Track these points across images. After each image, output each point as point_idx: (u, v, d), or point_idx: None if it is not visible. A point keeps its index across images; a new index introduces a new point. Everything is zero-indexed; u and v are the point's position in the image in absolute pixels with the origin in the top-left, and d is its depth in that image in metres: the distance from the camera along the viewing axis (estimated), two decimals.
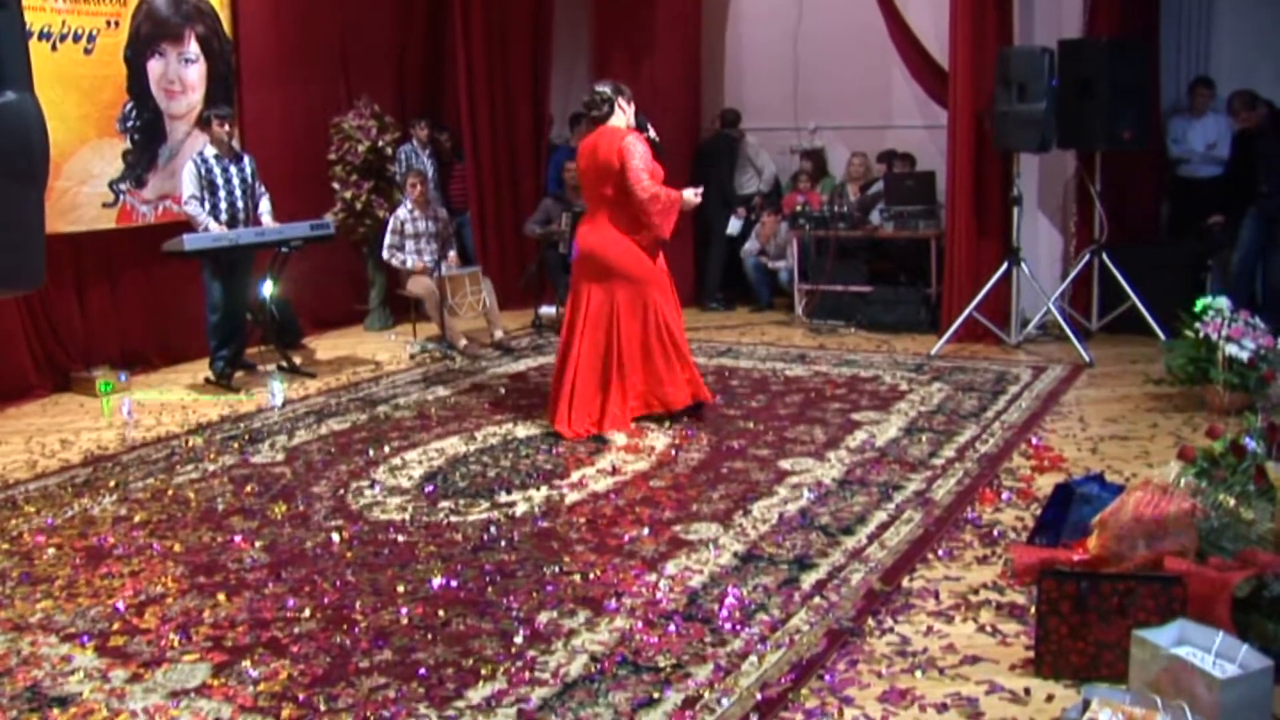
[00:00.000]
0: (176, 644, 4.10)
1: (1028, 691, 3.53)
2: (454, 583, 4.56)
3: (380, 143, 10.23)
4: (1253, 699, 2.87)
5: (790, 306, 10.30)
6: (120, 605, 4.47)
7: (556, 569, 4.67)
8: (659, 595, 4.37)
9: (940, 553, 4.71)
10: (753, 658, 3.83)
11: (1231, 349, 6.48)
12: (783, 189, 11.03)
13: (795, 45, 10.95)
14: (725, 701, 3.54)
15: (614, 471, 5.98)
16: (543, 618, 4.20)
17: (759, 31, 11.33)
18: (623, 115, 6.75)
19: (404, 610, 4.31)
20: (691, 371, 6.90)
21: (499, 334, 9.39)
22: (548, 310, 10.25)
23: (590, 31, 11.26)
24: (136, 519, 5.49)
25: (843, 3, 10.45)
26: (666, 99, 10.72)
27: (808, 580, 4.47)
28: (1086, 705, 2.75)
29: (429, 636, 4.08)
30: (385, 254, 9.56)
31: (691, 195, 6.82)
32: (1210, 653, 2.98)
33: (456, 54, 11.04)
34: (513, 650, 3.94)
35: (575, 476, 5.90)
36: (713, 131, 10.99)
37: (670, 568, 4.64)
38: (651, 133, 6.83)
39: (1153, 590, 3.49)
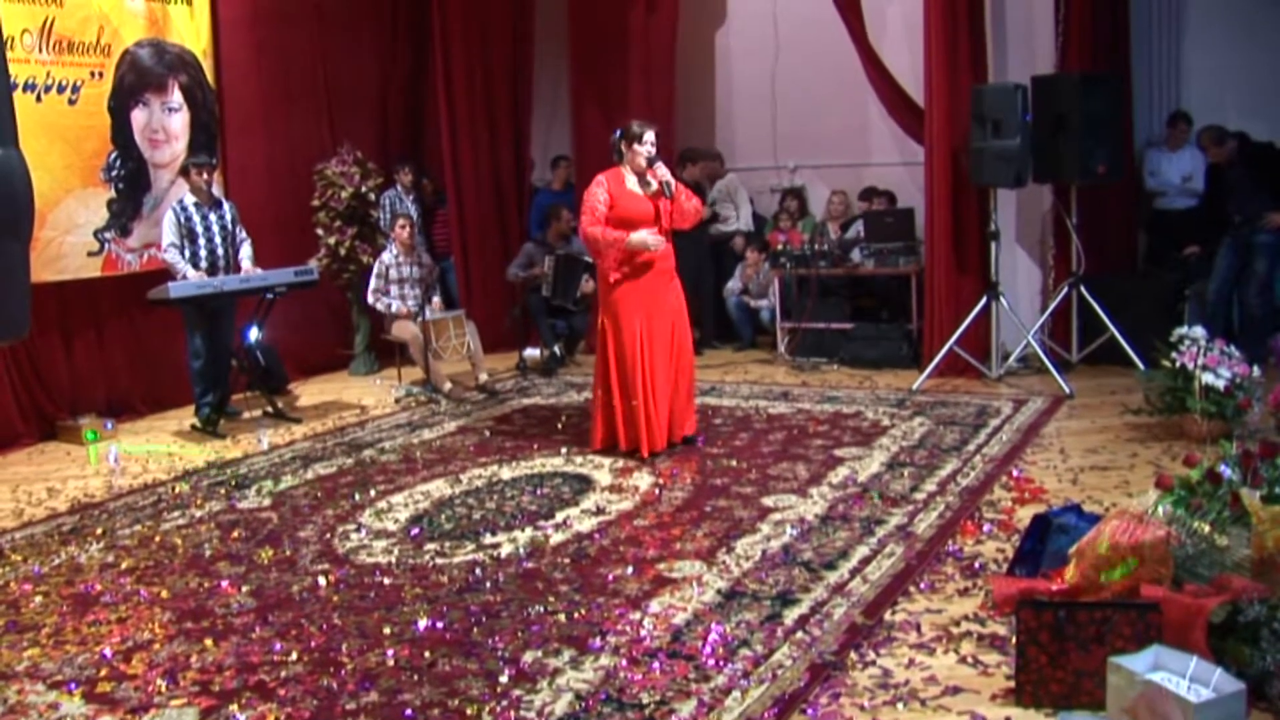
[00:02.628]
0: (164, 689, 4.12)
1: None
2: (439, 624, 4.58)
3: (364, 188, 10.30)
4: None
5: (773, 345, 10.36)
6: (107, 652, 4.48)
7: (541, 609, 4.69)
8: (643, 633, 4.40)
9: (922, 585, 4.75)
10: (736, 693, 3.85)
11: (1208, 378, 6.56)
12: (765, 228, 11.11)
13: (773, 85, 11.07)
14: None
15: (598, 511, 6.01)
16: (528, 657, 4.22)
17: (739, 72, 11.45)
18: (626, 157, 7.04)
19: (390, 652, 4.33)
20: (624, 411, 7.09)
21: (483, 377, 9.43)
22: (532, 353, 10.30)
23: (569, 74, 11.36)
24: (123, 566, 5.51)
25: (819, 43, 10.54)
26: None
27: (790, 615, 4.50)
28: None
29: (415, 678, 4.10)
30: (370, 298, 9.60)
31: (645, 238, 6.91)
32: (1185, 678, 3.02)
33: (438, 99, 11.15)
34: (498, 690, 3.97)
35: (560, 517, 5.93)
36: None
37: (654, 606, 4.67)
38: (662, 172, 6.98)
39: (1129, 618, 3.53)
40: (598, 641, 4.33)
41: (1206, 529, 4.06)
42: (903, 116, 9.93)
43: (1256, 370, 6.81)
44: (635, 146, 6.96)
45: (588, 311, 10.17)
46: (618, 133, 7.08)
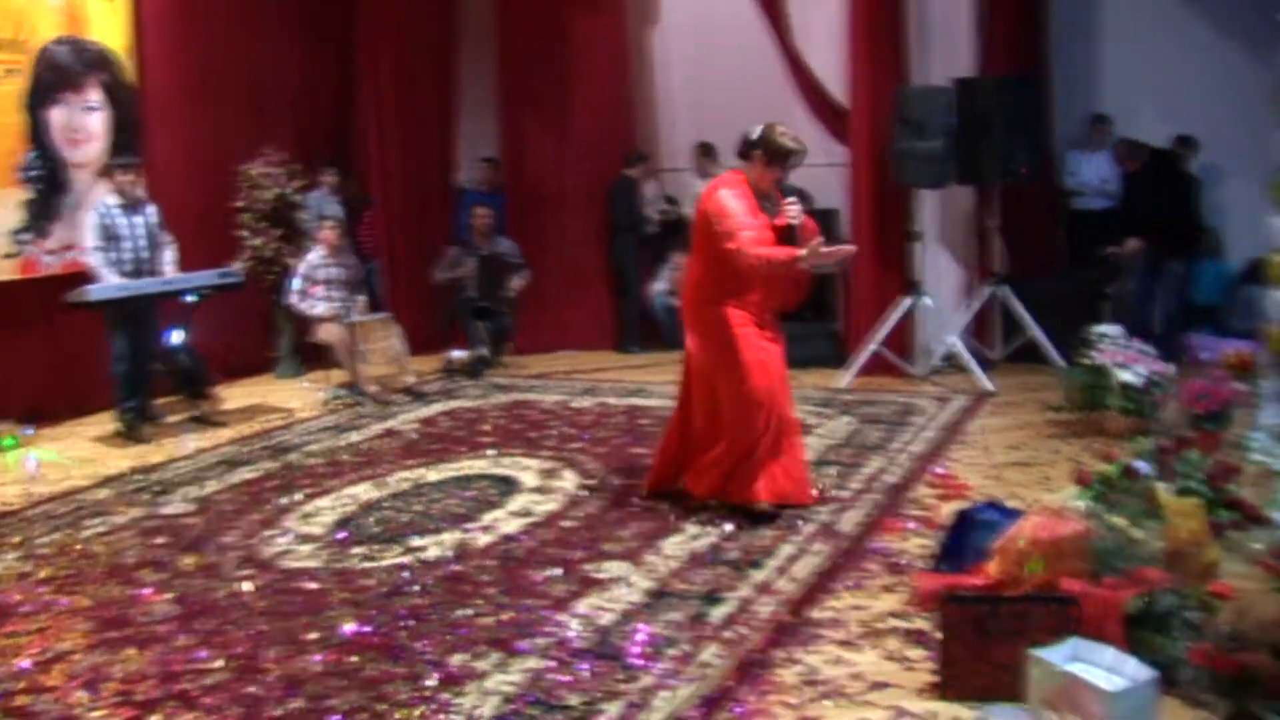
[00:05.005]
0: (85, 701, 4.06)
1: (934, 715, 3.62)
2: (366, 628, 4.56)
3: (288, 190, 10.21)
4: (1140, 709, 2.98)
5: None
6: (26, 664, 4.40)
7: (468, 612, 4.69)
8: (570, 634, 4.41)
9: (848, 583, 4.80)
10: (664, 693, 3.88)
11: (1125, 375, 6.69)
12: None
13: (700, 87, 11.10)
14: None
15: (525, 514, 6.00)
16: (455, 660, 4.22)
17: (665, 76, 11.45)
18: (755, 168, 5.70)
19: (317, 657, 4.30)
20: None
21: (409, 379, 9.38)
22: (458, 355, 10.25)
23: (497, 75, 11.33)
24: (42, 575, 5.41)
25: (744, 46, 10.58)
26: (578, 143, 10.82)
27: (717, 614, 4.54)
28: None
29: (341, 683, 4.08)
30: (295, 300, 9.51)
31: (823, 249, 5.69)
32: (1102, 668, 3.09)
33: (364, 100, 11.07)
34: (425, 694, 3.96)
35: (486, 519, 5.92)
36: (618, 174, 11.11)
37: (582, 607, 4.69)
38: (795, 210, 5.70)
39: (1049, 611, 3.60)
40: (525, 643, 4.34)
41: (1123, 523, 4.15)
42: (827, 118, 10.02)
43: (1172, 368, 6.96)
44: (778, 166, 5.64)
45: (514, 313, 10.16)
46: (758, 133, 5.65)
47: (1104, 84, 10.33)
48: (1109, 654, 3.13)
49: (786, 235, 5.62)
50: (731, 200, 5.54)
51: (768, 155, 5.59)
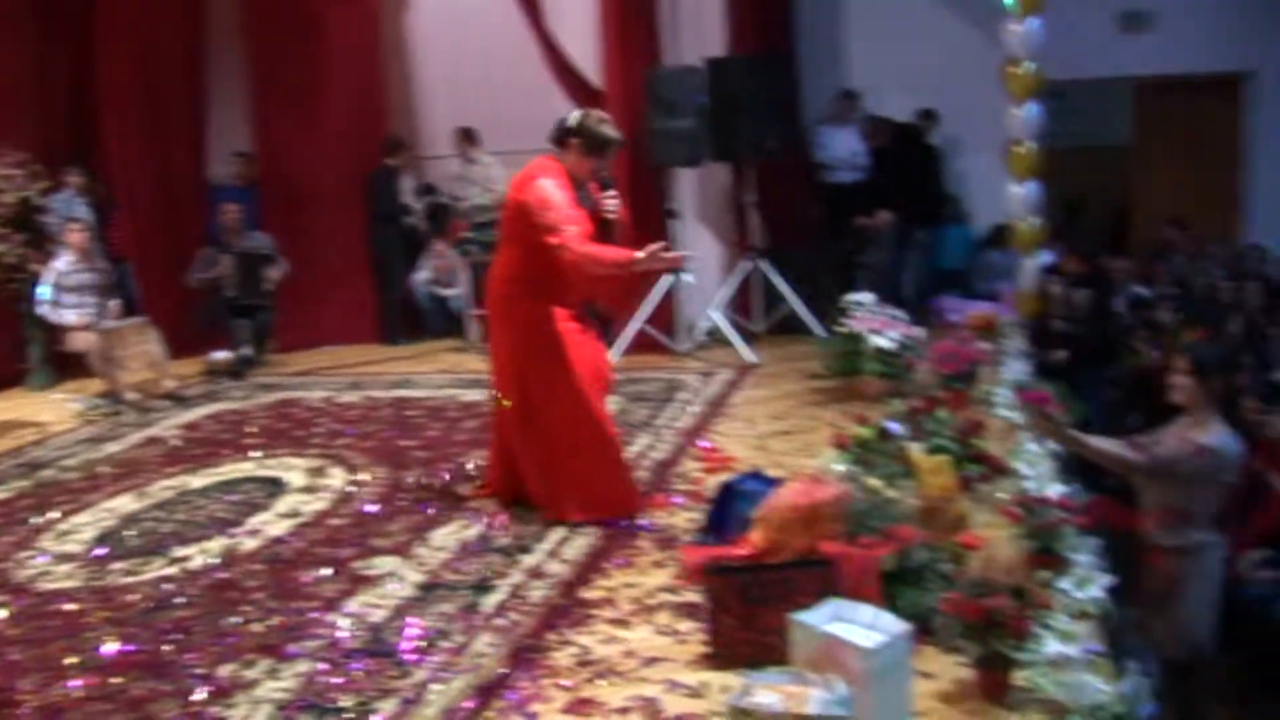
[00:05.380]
0: None
1: (705, 685, 3.67)
2: (130, 646, 4.37)
3: (31, 193, 9.68)
4: (896, 661, 3.08)
5: (464, 333, 10.33)
6: None
7: (236, 620, 4.55)
8: (342, 634, 4.33)
9: (617, 561, 4.84)
10: (437, 686, 3.84)
11: (878, 341, 6.92)
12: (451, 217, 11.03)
13: (457, 72, 11.00)
14: None
15: (293, 514, 5.85)
16: (224, 671, 4.09)
17: (420, 63, 11.30)
18: (572, 156, 5.30)
19: (77, 683, 4.10)
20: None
21: (170, 384, 9.03)
22: (220, 355, 9.90)
23: (247, 67, 10.95)
24: None
25: (499, 30, 10.52)
26: (333, 133, 10.58)
27: (489, 603, 4.52)
28: (748, 690, 2.89)
29: (106, 706, 3.91)
30: (45, 308, 9.04)
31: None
32: (859, 625, 3.18)
33: (103, 96, 10.56)
34: (194, 709, 3.83)
35: (253, 523, 5.75)
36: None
37: (352, 605, 4.60)
38: (613, 204, 5.44)
39: (810, 575, 3.69)
40: (296, 647, 4.24)
41: (878, 483, 4.29)
42: (582, 101, 10.03)
43: (922, 331, 7.23)
44: (596, 155, 5.30)
45: (275, 308, 9.89)
46: (575, 120, 5.29)
47: (851, 61, 10.65)
48: (867, 611, 3.23)
49: (603, 230, 5.31)
50: (554, 191, 5.10)
51: (586, 144, 5.21)
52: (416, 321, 10.90)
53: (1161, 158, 11.27)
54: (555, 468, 5.34)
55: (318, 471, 6.58)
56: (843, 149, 10.08)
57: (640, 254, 5.02)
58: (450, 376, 9.06)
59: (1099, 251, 9.12)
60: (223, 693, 3.93)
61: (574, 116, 5.30)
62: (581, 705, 3.64)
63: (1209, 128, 11.04)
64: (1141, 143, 11.54)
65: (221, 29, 11.03)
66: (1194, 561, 4.46)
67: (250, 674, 4.06)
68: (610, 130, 5.28)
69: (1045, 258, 9.04)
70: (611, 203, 5.37)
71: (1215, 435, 4.35)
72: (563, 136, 5.26)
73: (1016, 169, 8.62)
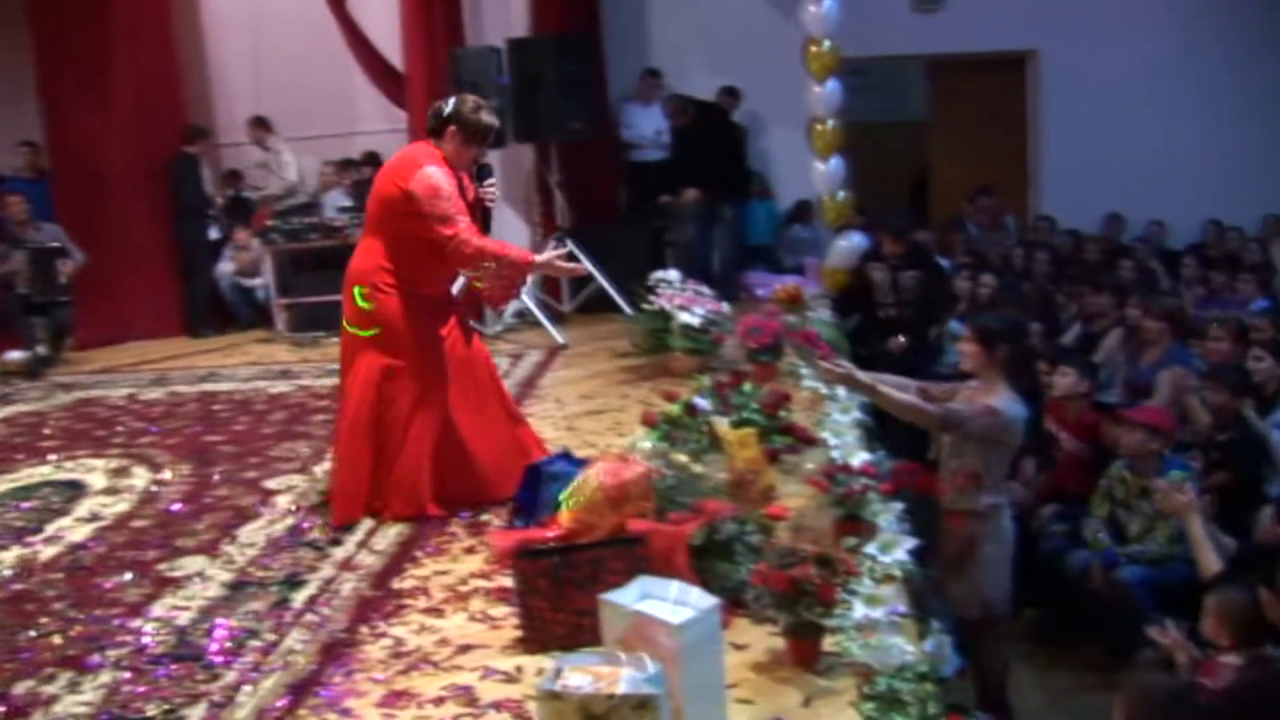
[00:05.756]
0: None
1: (519, 669, 3.64)
2: None
3: None
4: (706, 635, 3.10)
5: (271, 323, 10.08)
6: None
7: (33, 633, 4.31)
8: (146, 640, 4.16)
9: (429, 549, 4.77)
10: (248, 687, 3.72)
11: (684, 317, 6.98)
12: (254, 207, 10.76)
13: (256, 59, 10.72)
14: None
15: (93, 518, 5.60)
16: (19, 689, 3.87)
17: (218, 48, 10.98)
18: (449, 144, 5.06)
19: None
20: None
21: None
22: (14, 356, 9.42)
23: (32, 53, 10.42)
24: None
25: (300, 14, 10.32)
26: (128, 120, 10.15)
27: (299, 598, 4.41)
28: (559, 673, 2.87)
29: None
30: None
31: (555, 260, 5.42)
32: (668, 601, 3.18)
33: None
34: None
35: (50, 529, 5.47)
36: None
37: (157, 609, 4.42)
38: (491, 191, 5.31)
39: (619, 553, 3.69)
40: (98, 658, 4.04)
41: (685, 459, 4.33)
42: (385, 83, 9.91)
43: (728, 306, 7.32)
44: (476, 144, 5.09)
45: (72, 304, 9.48)
46: (450, 107, 5.04)
47: (654, 39, 10.73)
48: (676, 588, 3.23)
49: (483, 219, 5.18)
50: (444, 180, 4.88)
51: (465, 133, 4.97)
52: (222, 313, 10.61)
53: (956, 134, 11.66)
54: (394, 463, 5.10)
55: (120, 472, 6.32)
56: (648, 127, 10.15)
57: (539, 258, 5.08)
58: (258, 368, 8.82)
59: (910, 228, 9.31)
60: (18, 712, 3.72)
61: (449, 104, 5.04)
62: (397, 698, 3.57)
63: (999, 104, 11.48)
64: (937, 119, 11.91)
65: (3, 8, 10.49)
66: (986, 524, 4.67)
67: (49, 689, 3.85)
68: (488, 117, 5.06)
69: (857, 239, 9.23)
70: (491, 191, 5.22)
71: (1002, 399, 4.55)
72: (439, 125, 5.02)
73: (819, 146, 8.78)
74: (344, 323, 5.20)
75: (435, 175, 4.89)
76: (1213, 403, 5.94)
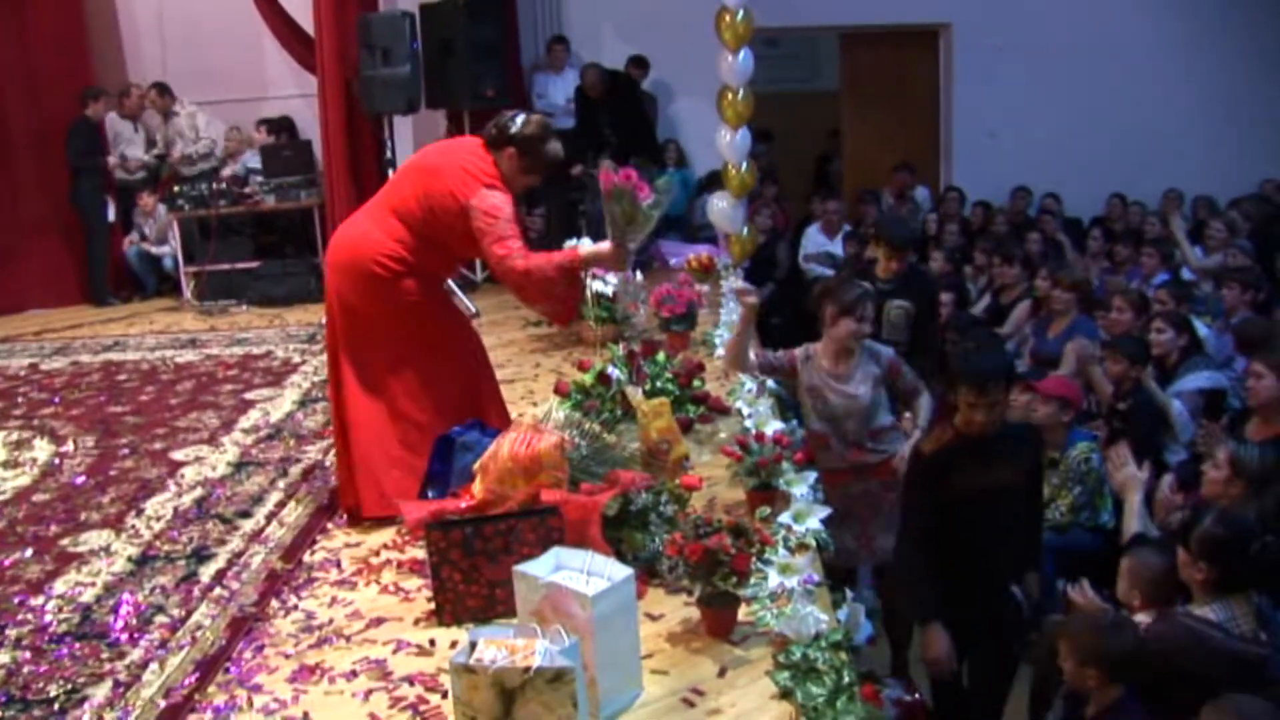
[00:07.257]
0: None
1: (433, 643, 3.61)
2: None
3: None
4: (621, 605, 3.10)
5: (178, 291, 9.90)
6: None
7: None
8: (47, 619, 4.07)
9: (339, 521, 4.73)
10: (154, 665, 3.66)
11: (597, 285, 6.96)
12: (163, 171, 10.54)
13: (164, 22, 10.49)
14: (129, 718, 3.37)
15: None
16: None
17: (127, 8, 10.71)
18: (509, 165, 4.64)
19: None
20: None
21: None
22: None
23: None
24: None
25: None
26: (25, 81, 9.85)
27: (207, 572, 4.35)
28: (473, 646, 2.85)
29: None
30: None
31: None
32: (582, 572, 3.18)
33: None
34: None
35: None
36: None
37: (59, 586, 4.34)
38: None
39: (532, 524, 3.67)
40: None
41: (598, 428, 4.31)
42: (295, 47, 9.76)
43: (640, 275, 7.31)
44: (532, 174, 4.69)
45: None
46: (516, 123, 4.55)
47: (566, 6, 10.65)
48: (590, 558, 3.23)
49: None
50: (506, 206, 4.51)
51: (526, 160, 4.58)
52: (128, 281, 10.39)
53: (868, 105, 11.73)
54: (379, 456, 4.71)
55: (20, 445, 6.18)
56: (559, 96, 10.09)
57: (583, 251, 4.73)
58: (165, 337, 8.68)
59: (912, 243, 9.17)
60: None
61: (516, 121, 4.56)
62: (308, 672, 3.52)
63: (911, 76, 11.58)
64: (849, 90, 11.97)
65: None
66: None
67: None
68: (554, 147, 4.66)
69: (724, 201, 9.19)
70: (537, 220, 4.82)
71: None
72: (499, 140, 4.58)
73: (729, 115, 8.77)
74: (336, 303, 4.72)
75: (498, 199, 4.50)
76: (1112, 373, 6.06)
